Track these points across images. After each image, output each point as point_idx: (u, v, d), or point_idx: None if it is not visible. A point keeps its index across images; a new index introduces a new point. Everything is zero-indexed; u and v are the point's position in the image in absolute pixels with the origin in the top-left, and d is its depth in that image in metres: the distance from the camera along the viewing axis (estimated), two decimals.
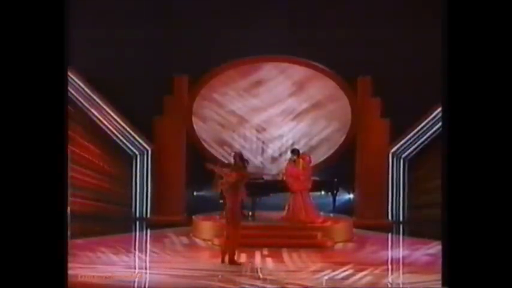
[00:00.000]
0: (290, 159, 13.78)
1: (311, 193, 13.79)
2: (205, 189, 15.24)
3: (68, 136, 6.62)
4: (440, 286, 6.61)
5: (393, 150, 16.26)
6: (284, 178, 13.69)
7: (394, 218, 16.18)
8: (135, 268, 10.79)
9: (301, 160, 13.65)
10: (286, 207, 13.62)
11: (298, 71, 16.44)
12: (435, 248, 11.75)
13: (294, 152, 13.85)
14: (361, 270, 10.37)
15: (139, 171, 16.39)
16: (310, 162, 13.84)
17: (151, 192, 16.29)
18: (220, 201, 14.06)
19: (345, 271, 10.36)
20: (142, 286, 9.53)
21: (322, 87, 16.45)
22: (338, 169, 15.58)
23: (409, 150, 16.26)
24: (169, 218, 15.47)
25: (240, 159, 11.49)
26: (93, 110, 15.93)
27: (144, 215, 16.25)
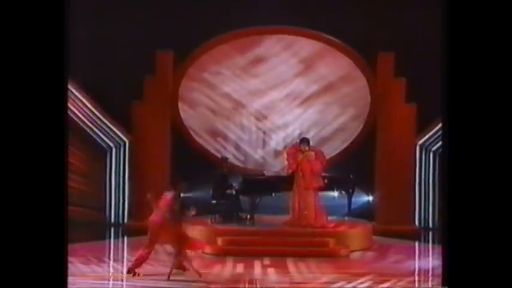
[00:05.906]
0: (300, 149, 13.70)
1: (320, 193, 13.80)
2: (194, 189, 15.21)
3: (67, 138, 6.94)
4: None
5: (421, 141, 16.30)
6: (290, 172, 13.66)
7: (422, 224, 16.21)
8: (109, 280, 10.86)
9: (313, 153, 13.67)
10: (292, 209, 13.62)
11: (306, 46, 16.44)
12: None
13: (305, 141, 13.83)
14: (382, 282, 10.42)
15: (115, 168, 16.42)
16: (324, 158, 13.83)
17: (128, 193, 16.30)
18: (213, 201, 14.18)
19: (362, 283, 10.39)
20: None
21: (336, 65, 16.46)
22: (355, 164, 15.57)
23: (440, 142, 16.25)
24: None
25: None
26: None
27: (121, 220, 16.27)
